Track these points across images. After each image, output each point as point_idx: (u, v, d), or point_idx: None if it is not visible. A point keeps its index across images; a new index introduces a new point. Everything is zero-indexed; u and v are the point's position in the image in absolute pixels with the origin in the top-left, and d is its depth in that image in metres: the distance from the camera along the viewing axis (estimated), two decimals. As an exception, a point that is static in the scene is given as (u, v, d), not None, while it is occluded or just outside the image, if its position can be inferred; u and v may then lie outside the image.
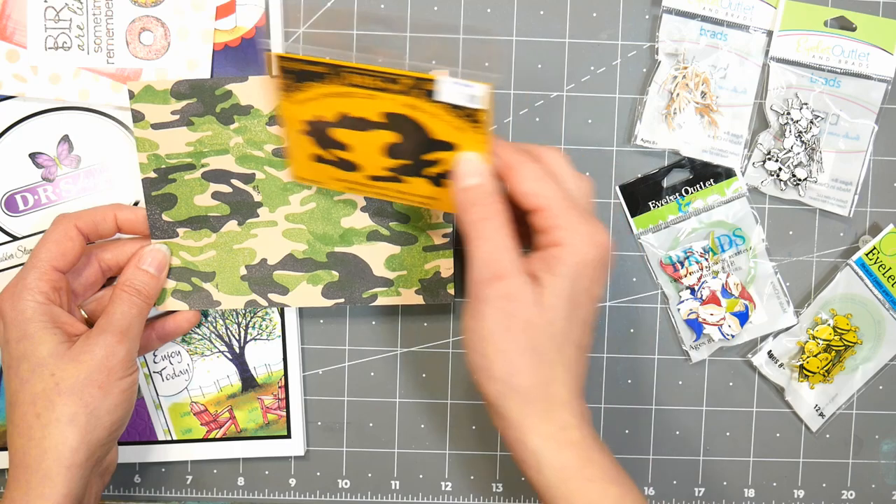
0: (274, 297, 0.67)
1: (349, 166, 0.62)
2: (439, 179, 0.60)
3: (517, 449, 0.56)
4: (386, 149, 0.60)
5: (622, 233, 0.70)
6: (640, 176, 0.70)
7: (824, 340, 0.70)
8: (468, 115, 0.56)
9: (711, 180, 0.70)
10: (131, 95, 0.65)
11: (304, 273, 0.67)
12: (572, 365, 0.56)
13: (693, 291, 0.69)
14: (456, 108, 0.56)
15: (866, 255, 0.69)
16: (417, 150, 0.59)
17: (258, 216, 0.66)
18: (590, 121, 0.69)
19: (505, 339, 0.54)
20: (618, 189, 0.70)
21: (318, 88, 0.59)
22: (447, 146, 0.58)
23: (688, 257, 0.69)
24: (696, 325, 0.70)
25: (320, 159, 0.62)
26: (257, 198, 0.66)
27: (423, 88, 0.56)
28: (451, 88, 0.55)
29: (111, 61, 0.67)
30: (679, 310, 0.70)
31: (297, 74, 0.59)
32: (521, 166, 0.56)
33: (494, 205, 0.56)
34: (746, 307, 0.69)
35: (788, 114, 0.68)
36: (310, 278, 0.67)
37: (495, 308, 0.54)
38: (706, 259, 0.69)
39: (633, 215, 0.70)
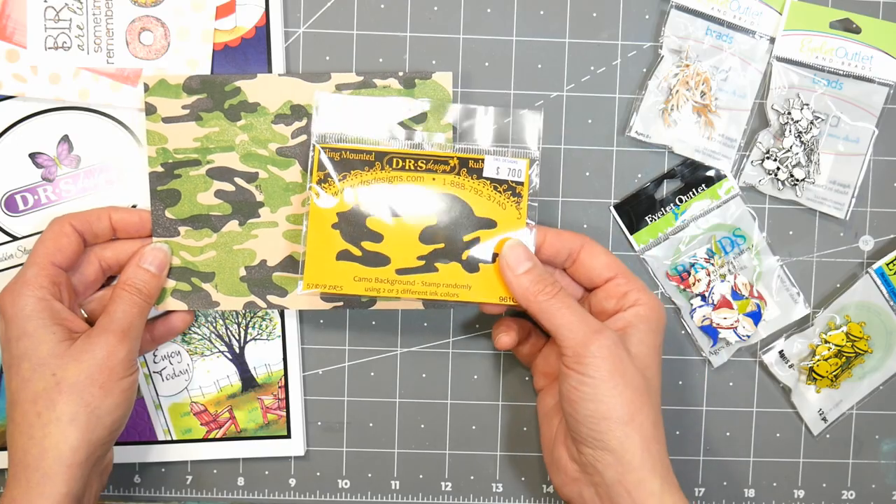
0: (273, 298, 0.67)
1: (378, 261, 0.63)
2: (476, 264, 0.63)
3: (636, 492, 0.58)
4: (422, 233, 0.63)
5: (622, 251, 0.70)
6: (632, 192, 0.70)
7: (836, 346, 0.70)
8: (509, 188, 0.63)
9: (703, 185, 0.70)
10: (146, 88, 0.65)
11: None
12: (660, 411, 0.61)
13: (704, 298, 0.69)
14: (499, 184, 0.63)
15: (886, 265, 0.69)
16: (457, 231, 0.63)
17: (259, 216, 0.66)
18: (590, 121, 0.69)
19: (621, 382, 0.58)
20: (613, 210, 0.70)
21: (360, 176, 0.63)
22: (489, 224, 0.63)
23: (693, 265, 0.69)
24: (711, 331, 0.70)
25: (344, 256, 0.63)
26: (259, 197, 0.66)
27: (469, 167, 0.63)
28: (496, 163, 0.63)
29: (111, 61, 0.67)
30: (692, 317, 0.70)
31: (339, 164, 0.62)
32: (590, 244, 0.63)
33: (555, 282, 0.61)
34: (758, 306, 0.69)
35: (789, 114, 0.68)
36: (309, 280, 0.67)
37: (603, 358, 0.58)
38: (711, 264, 0.69)
39: (631, 232, 0.70)
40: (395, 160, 0.63)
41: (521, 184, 0.63)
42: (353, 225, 0.63)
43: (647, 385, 0.60)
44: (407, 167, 0.63)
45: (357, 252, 0.63)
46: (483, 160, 0.63)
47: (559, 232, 0.64)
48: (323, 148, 0.63)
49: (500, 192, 0.63)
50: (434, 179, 0.63)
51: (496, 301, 0.63)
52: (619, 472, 0.58)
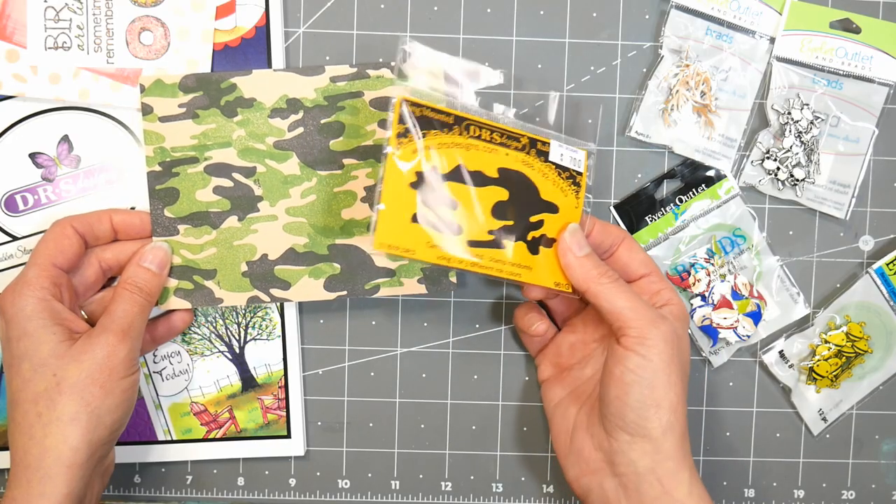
0: (276, 292, 0.67)
1: (450, 229, 0.61)
2: (537, 246, 0.62)
3: (667, 481, 0.59)
4: (494, 207, 0.61)
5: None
6: (632, 192, 0.70)
7: (836, 346, 0.70)
8: (570, 176, 0.63)
9: (703, 185, 0.70)
10: (142, 89, 0.66)
11: (305, 267, 0.67)
12: None
13: (703, 298, 0.69)
14: (562, 170, 0.63)
15: (886, 265, 0.69)
16: (525, 211, 0.62)
17: (258, 210, 0.66)
18: (590, 121, 0.69)
19: (676, 371, 0.59)
20: (613, 210, 0.70)
21: (439, 137, 0.60)
22: (552, 208, 0.63)
23: (693, 265, 0.69)
24: (711, 331, 0.70)
25: (419, 219, 0.60)
26: (258, 192, 0.66)
27: (538, 149, 0.63)
28: (560, 150, 0.63)
29: (111, 61, 0.67)
30: (692, 318, 0.70)
31: (420, 120, 0.60)
32: (630, 239, 0.65)
33: (609, 268, 0.62)
34: (758, 306, 0.69)
35: (789, 114, 0.68)
36: (311, 272, 0.67)
37: (666, 342, 0.59)
38: (711, 264, 0.69)
39: (631, 233, 0.70)
40: (472, 128, 0.61)
41: (581, 174, 0.63)
42: (431, 187, 0.60)
43: (687, 379, 0.61)
44: (483, 137, 0.61)
45: (432, 216, 0.61)
46: (549, 143, 0.63)
47: (605, 224, 0.64)
48: (405, 101, 0.60)
49: (562, 178, 0.63)
50: (507, 155, 0.62)
51: (551, 286, 0.63)
52: (655, 460, 0.59)
